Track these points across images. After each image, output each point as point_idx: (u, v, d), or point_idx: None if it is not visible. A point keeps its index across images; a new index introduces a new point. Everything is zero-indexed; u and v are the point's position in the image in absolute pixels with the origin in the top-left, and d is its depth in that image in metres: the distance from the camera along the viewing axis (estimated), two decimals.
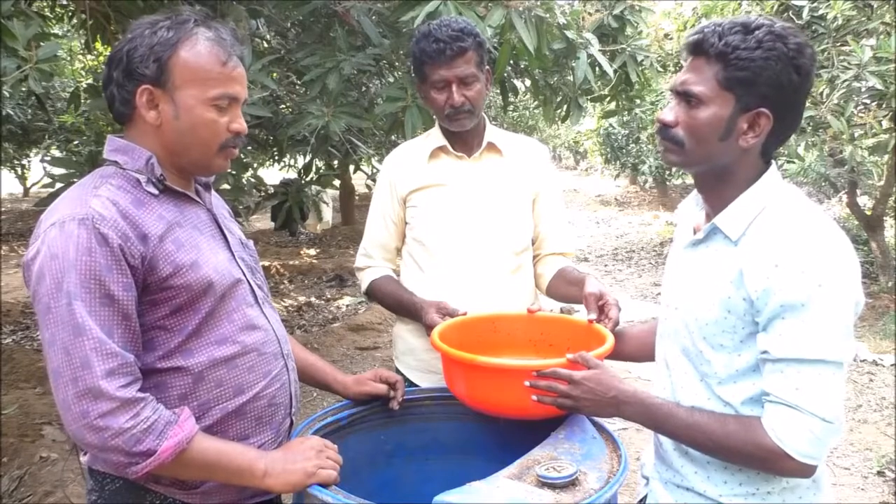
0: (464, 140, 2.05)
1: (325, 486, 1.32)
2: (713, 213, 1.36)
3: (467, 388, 1.56)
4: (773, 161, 1.36)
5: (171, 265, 1.30)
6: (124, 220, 1.27)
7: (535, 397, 1.41)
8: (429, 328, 1.83)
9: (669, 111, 1.33)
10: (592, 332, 1.65)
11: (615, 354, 1.61)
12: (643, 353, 1.67)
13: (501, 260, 2.03)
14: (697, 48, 1.29)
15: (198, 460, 1.28)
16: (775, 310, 1.22)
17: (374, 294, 2.13)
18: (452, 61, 1.89)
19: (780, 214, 1.28)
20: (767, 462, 1.25)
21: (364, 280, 2.15)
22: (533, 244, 2.13)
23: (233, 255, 1.46)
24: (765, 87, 1.25)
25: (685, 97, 1.30)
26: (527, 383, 1.41)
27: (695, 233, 1.42)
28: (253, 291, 1.48)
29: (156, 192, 1.35)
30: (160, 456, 1.23)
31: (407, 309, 2.03)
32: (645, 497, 1.55)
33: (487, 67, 2.01)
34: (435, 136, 2.08)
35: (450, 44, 1.88)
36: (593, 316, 1.69)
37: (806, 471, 1.24)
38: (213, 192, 1.53)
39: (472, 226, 2.02)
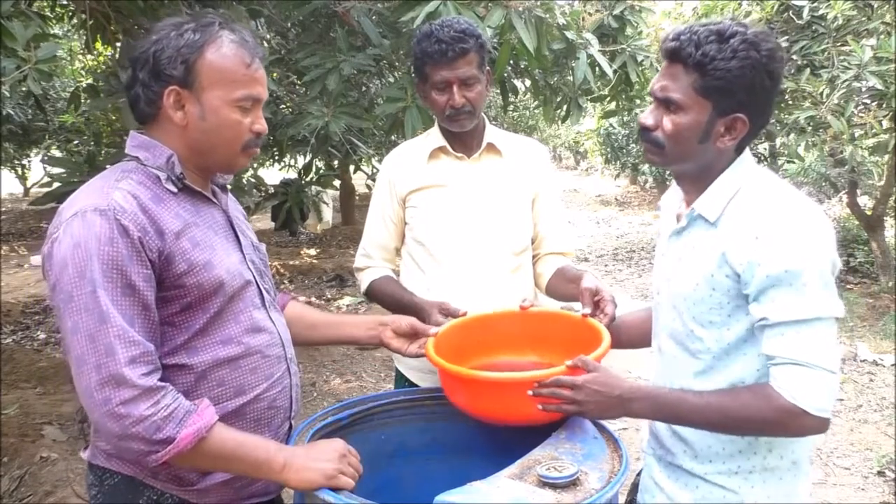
0: (463, 140, 2.05)
1: (336, 490, 1.32)
2: (692, 200, 1.44)
3: (468, 402, 1.55)
4: (744, 148, 1.43)
5: (186, 263, 1.32)
6: (144, 214, 1.28)
7: (540, 406, 1.42)
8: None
9: (650, 115, 1.40)
10: (587, 326, 1.64)
11: (613, 345, 1.61)
12: (640, 340, 1.71)
13: (501, 260, 2.03)
14: (674, 55, 1.34)
15: (216, 450, 1.29)
16: (763, 280, 1.29)
17: (373, 295, 2.13)
18: (454, 62, 1.89)
19: (754, 192, 1.37)
20: (785, 424, 1.29)
21: (363, 281, 2.15)
22: (532, 244, 2.13)
23: (244, 256, 1.48)
24: (740, 95, 1.32)
25: (664, 102, 1.37)
26: (530, 393, 1.41)
27: (678, 221, 1.49)
28: (261, 294, 1.49)
29: (174, 189, 1.36)
30: (179, 444, 1.24)
31: (408, 310, 2.03)
32: (641, 470, 1.63)
33: (488, 68, 2.01)
34: (434, 137, 2.08)
35: (452, 45, 1.87)
36: (587, 311, 1.68)
37: (821, 426, 1.28)
38: (229, 194, 1.55)
39: (472, 226, 2.02)
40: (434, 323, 1.84)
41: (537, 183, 2.10)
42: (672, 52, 1.34)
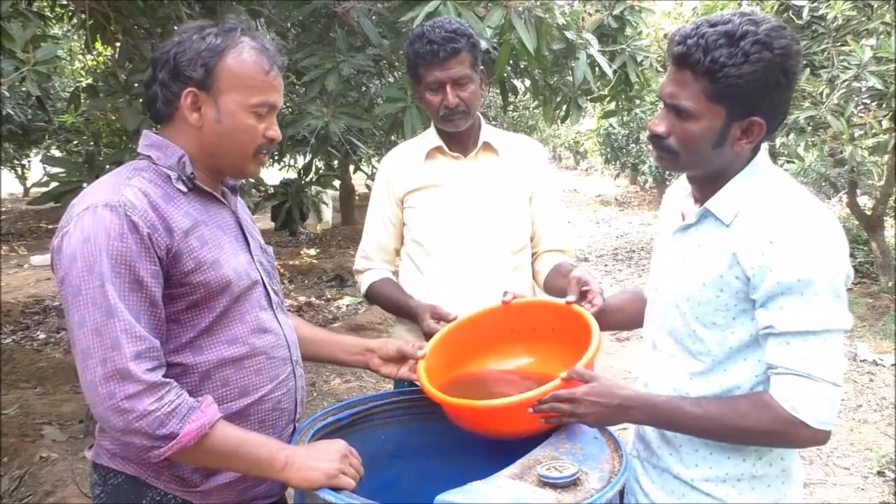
0: (459, 140, 2.05)
1: (337, 490, 1.32)
2: (703, 199, 1.39)
3: (468, 425, 1.55)
4: (760, 146, 1.39)
5: (194, 261, 1.33)
6: (154, 211, 1.30)
7: (542, 419, 1.42)
8: (426, 335, 1.84)
9: (661, 122, 1.34)
10: (572, 314, 1.62)
11: (602, 327, 1.59)
12: (627, 323, 1.73)
13: (500, 259, 2.03)
14: (682, 61, 1.27)
15: (219, 447, 1.30)
16: (773, 286, 1.26)
17: (372, 297, 2.13)
18: (446, 62, 1.89)
19: (770, 194, 1.32)
20: (784, 435, 1.28)
21: (363, 283, 2.15)
22: (531, 242, 2.13)
23: (252, 257, 1.48)
24: (755, 98, 1.26)
25: (674, 109, 1.31)
26: (531, 410, 1.41)
27: (683, 218, 1.45)
28: (268, 295, 1.50)
29: (185, 189, 1.37)
30: (182, 439, 1.24)
31: (403, 312, 2.04)
32: None
33: (482, 68, 2.00)
34: (431, 137, 2.08)
35: (443, 45, 1.88)
36: (572, 298, 1.65)
37: (820, 437, 1.27)
38: (238, 196, 1.55)
39: (469, 226, 2.02)
40: (426, 328, 1.85)
41: (534, 181, 2.10)
42: (679, 57, 1.27)
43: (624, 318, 1.72)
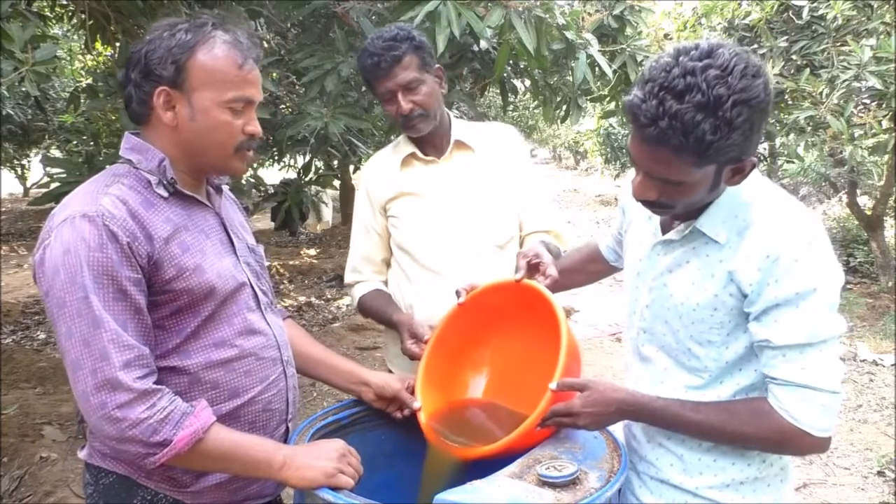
0: (431, 143, 2.03)
1: (336, 489, 1.32)
2: (684, 214, 1.34)
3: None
4: None
5: (175, 268, 1.31)
6: (133, 219, 1.28)
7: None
8: (409, 357, 1.83)
9: (647, 190, 1.26)
10: (527, 290, 1.60)
11: (559, 289, 1.61)
12: (585, 280, 1.85)
13: (486, 257, 2.00)
14: (659, 142, 1.15)
15: (214, 451, 1.29)
16: (771, 300, 1.24)
17: (363, 311, 2.12)
18: (390, 71, 1.88)
19: (761, 207, 1.29)
20: (785, 443, 1.28)
21: (354, 297, 2.13)
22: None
23: (238, 259, 1.47)
24: (744, 147, 1.18)
25: (661, 180, 1.23)
26: (537, 429, 1.41)
27: (663, 230, 1.42)
28: (256, 296, 1.48)
29: (166, 194, 1.35)
30: (176, 445, 1.24)
31: (390, 327, 2.03)
32: None
33: (438, 66, 1.98)
34: (403, 144, 2.06)
35: (383, 55, 1.86)
36: (519, 275, 1.62)
37: (822, 444, 1.27)
38: (225, 195, 1.54)
39: (452, 229, 2.00)
40: (408, 352, 1.83)
41: (512, 169, 2.06)
42: (655, 139, 1.15)
43: (581, 278, 1.76)
